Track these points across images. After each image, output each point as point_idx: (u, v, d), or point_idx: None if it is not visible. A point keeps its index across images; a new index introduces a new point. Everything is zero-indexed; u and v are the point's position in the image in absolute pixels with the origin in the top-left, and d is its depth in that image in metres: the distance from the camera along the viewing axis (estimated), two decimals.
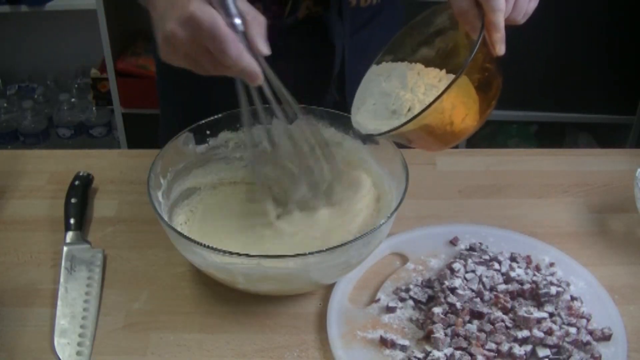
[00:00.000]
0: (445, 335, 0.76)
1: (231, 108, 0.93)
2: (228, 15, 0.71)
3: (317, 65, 1.06)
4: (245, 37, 0.73)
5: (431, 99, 0.73)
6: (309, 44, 1.04)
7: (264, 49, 0.74)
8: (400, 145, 0.87)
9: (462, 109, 0.75)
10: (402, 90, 0.80)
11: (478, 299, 0.80)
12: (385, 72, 0.85)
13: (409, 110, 0.79)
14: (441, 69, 0.82)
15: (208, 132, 0.94)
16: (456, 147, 0.98)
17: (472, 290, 0.81)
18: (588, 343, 0.76)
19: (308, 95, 0.96)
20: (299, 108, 0.84)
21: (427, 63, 0.83)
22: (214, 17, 0.69)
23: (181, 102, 1.17)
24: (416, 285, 0.85)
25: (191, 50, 0.71)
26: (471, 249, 0.90)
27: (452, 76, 0.80)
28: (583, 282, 0.86)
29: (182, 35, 0.70)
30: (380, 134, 0.78)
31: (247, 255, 0.74)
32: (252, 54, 0.73)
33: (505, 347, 0.75)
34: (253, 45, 0.73)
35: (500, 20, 0.74)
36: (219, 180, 0.96)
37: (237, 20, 0.72)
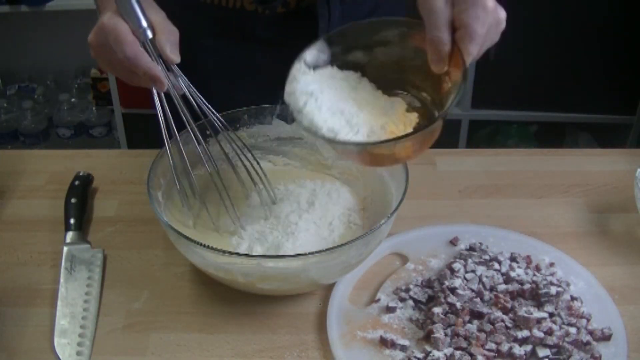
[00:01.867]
0: (445, 335, 0.76)
1: (223, 107, 0.93)
2: (137, 26, 0.77)
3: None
4: (154, 45, 0.78)
5: (399, 130, 0.76)
6: (299, 34, 1.04)
7: (173, 56, 0.79)
8: None
9: (417, 145, 0.77)
10: (359, 106, 0.80)
11: (478, 299, 0.80)
12: (341, 78, 0.83)
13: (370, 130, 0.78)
14: (372, 78, 0.82)
15: (208, 132, 0.94)
16: (456, 147, 0.98)
17: (472, 290, 0.81)
18: (588, 343, 0.76)
19: None
20: (220, 121, 0.85)
21: (356, 68, 0.82)
22: (117, 24, 0.76)
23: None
24: (416, 285, 0.85)
25: (106, 59, 0.78)
26: (471, 249, 0.90)
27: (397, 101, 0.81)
28: (583, 282, 0.86)
29: (95, 44, 0.78)
30: (339, 142, 0.76)
31: (247, 255, 0.75)
32: (162, 61, 0.79)
33: (505, 347, 0.75)
34: (163, 53, 0.78)
35: (468, 63, 0.75)
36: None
37: (147, 30, 0.78)
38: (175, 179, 0.83)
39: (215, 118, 0.84)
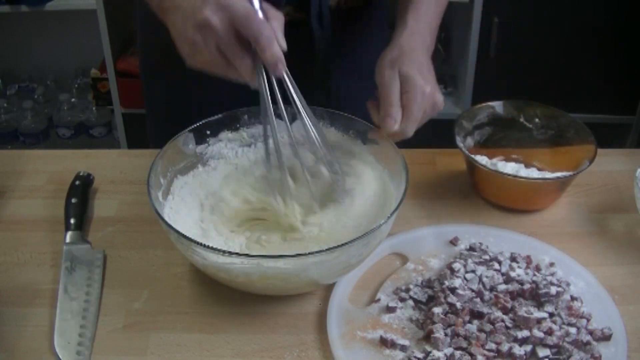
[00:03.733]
0: (445, 335, 0.76)
1: (214, 108, 0.93)
2: (255, 9, 0.76)
3: (300, 69, 1.07)
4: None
5: None
6: (290, 47, 1.05)
7: (283, 43, 0.78)
8: (400, 145, 0.88)
9: None
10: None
11: (478, 299, 0.80)
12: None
13: None
14: None
15: (208, 132, 0.94)
16: (456, 147, 0.98)
17: (472, 290, 0.81)
18: (588, 343, 0.76)
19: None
20: (308, 110, 0.85)
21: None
22: (247, 6, 0.75)
23: (165, 103, 1.18)
24: (416, 285, 0.85)
25: (222, 39, 0.74)
26: (471, 249, 0.90)
27: None
28: (583, 282, 0.86)
29: (217, 22, 0.74)
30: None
31: (247, 255, 0.75)
32: None
33: (505, 347, 0.75)
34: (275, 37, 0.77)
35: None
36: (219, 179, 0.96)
37: (261, 15, 0.76)
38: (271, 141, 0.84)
39: (301, 106, 0.84)
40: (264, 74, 0.79)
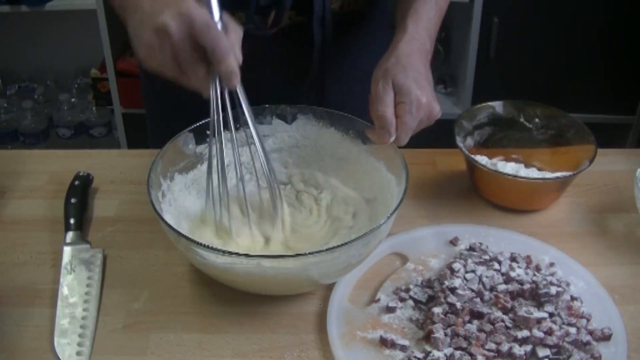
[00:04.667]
0: (445, 335, 0.76)
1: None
2: (215, 19, 0.76)
3: (297, 68, 1.07)
4: None
5: None
6: (291, 50, 1.05)
7: (239, 56, 0.77)
8: (400, 146, 0.88)
9: None
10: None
11: (478, 299, 0.80)
12: None
13: None
14: None
15: (208, 132, 0.94)
16: (456, 147, 0.98)
17: (472, 290, 0.81)
18: (588, 343, 0.76)
19: (287, 96, 0.97)
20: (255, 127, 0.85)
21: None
22: (207, 16, 0.74)
23: (165, 103, 1.18)
24: (416, 285, 0.85)
25: (178, 45, 0.74)
26: (471, 249, 0.90)
27: None
28: (583, 282, 0.86)
29: (175, 28, 0.73)
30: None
31: (247, 255, 0.74)
32: None
33: (505, 347, 0.75)
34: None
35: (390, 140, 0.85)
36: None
37: (220, 27, 0.76)
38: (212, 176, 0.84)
39: (250, 118, 0.83)
40: (217, 85, 0.78)
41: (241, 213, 0.89)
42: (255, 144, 0.85)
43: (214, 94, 0.78)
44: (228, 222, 0.86)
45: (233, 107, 0.81)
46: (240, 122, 0.85)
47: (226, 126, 0.82)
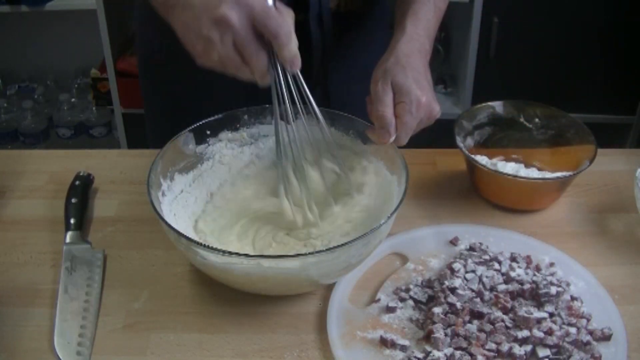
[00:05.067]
0: (445, 335, 0.76)
1: (212, 109, 0.93)
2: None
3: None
4: None
5: None
6: None
7: (296, 40, 0.76)
8: (400, 146, 0.88)
9: None
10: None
11: (478, 299, 0.80)
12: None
13: None
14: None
15: (208, 132, 0.94)
16: (456, 147, 0.98)
17: (472, 290, 0.81)
18: (588, 343, 0.76)
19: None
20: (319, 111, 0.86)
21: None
22: (264, 2, 0.74)
23: (164, 103, 1.18)
24: (416, 285, 0.85)
25: (240, 35, 0.73)
26: (471, 249, 0.90)
27: None
28: (583, 282, 0.86)
29: (235, 18, 0.72)
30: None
31: (247, 255, 0.74)
32: None
33: (505, 347, 0.75)
34: None
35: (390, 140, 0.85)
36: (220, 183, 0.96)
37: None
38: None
39: (313, 101, 0.84)
40: (279, 71, 0.78)
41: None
42: (321, 125, 0.85)
43: (276, 80, 0.78)
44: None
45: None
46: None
47: (292, 108, 0.82)
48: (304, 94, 0.82)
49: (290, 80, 0.80)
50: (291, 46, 0.75)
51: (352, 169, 0.93)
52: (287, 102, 0.81)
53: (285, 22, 0.74)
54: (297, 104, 0.83)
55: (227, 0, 0.73)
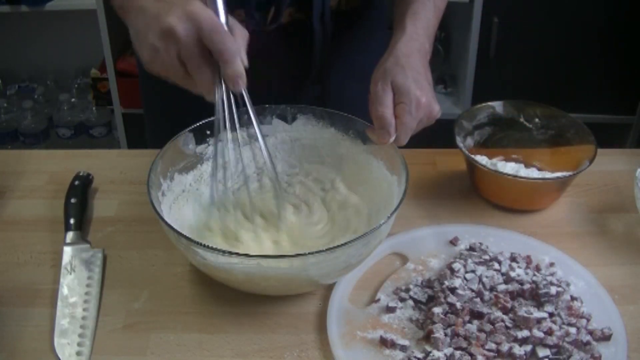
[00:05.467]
0: (445, 335, 0.76)
1: (212, 109, 0.93)
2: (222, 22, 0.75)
3: (297, 66, 1.07)
4: None
5: None
6: (291, 47, 1.05)
7: (245, 60, 0.76)
8: (400, 146, 0.88)
9: None
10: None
11: (478, 299, 0.80)
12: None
13: None
14: None
15: (208, 132, 0.94)
16: (456, 147, 0.98)
17: (472, 290, 0.81)
18: (588, 343, 0.76)
19: (288, 94, 0.97)
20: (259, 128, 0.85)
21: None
22: (215, 18, 0.73)
23: (163, 103, 1.18)
24: (416, 285, 0.85)
25: (184, 48, 0.73)
26: (471, 249, 0.90)
27: None
28: (583, 282, 0.86)
29: (182, 31, 0.72)
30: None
31: (247, 255, 0.74)
32: None
33: (505, 347, 0.75)
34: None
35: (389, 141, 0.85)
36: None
37: (225, 27, 0.75)
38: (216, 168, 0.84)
39: (255, 119, 0.84)
40: (223, 87, 0.78)
41: (244, 217, 0.89)
42: (259, 144, 0.85)
43: (219, 96, 0.78)
44: (234, 227, 0.86)
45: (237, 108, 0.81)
46: (241, 123, 0.84)
47: (231, 128, 0.81)
48: (252, 116, 0.82)
49: (235, 97, 0.79)
50: (235, 66, 0.74)
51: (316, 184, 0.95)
52: (225, 123, 0.80)
53: (231, 40, 0.74)
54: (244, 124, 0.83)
55: (177, 13, 0.72)
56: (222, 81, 0.77)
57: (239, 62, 0.74)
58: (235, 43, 0.74)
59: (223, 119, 0.79)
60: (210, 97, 0.77)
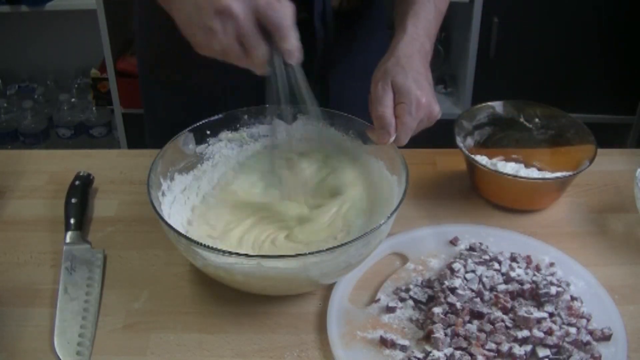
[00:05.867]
0: (445, 335, 0.76)
1: (213, 108, 0.93)
2: None
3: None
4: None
5: None
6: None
7: (296, 32, 0.77)
8: (400, 146, 0.88)
9: None
10: None
11: (478, 299, 0.80)
12: None
13: None
14: None
15: (208, 132, 0.94)
16: (456, 147, 0.98)
17: (472, 290, 0.81)
18: (588, 343, 0.76)
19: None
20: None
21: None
22: None
23: (163, 103, 1.18)
24: (416, 285, 0.85)
25: (243, 26, 0.73)
26: (471, 249, 0.90)
27: None
28: (583, 282, 0.86)
29: (239, 9, 0.73)
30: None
31: (247, 255, 0.74)
32: None
33: (505, 347, 0.75)
34: None
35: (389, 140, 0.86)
36: (218, 179, 0.96)
37: None
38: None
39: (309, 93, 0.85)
40: (278, 62, 0.78)
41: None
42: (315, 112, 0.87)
43: (278, 70, 0.79)
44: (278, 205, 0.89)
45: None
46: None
47: (285, 100, 0.82)
48: (304, 88, 0.82)
49: (290, 74, 0.80)
50: (292, 39, 0.75)
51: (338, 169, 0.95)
52: (284, 97, 0.81)
53: (287, 14, 0.75)
54: (297, 97, 0.83)
55: None
56: (277, 56, 0.77)
57: (295, 36, 0.75)
58: (290, 17, 0.75)
59: (281, 92, 0.80)
60: (263, 71, 0.78)
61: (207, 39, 0.75)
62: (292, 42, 0.75)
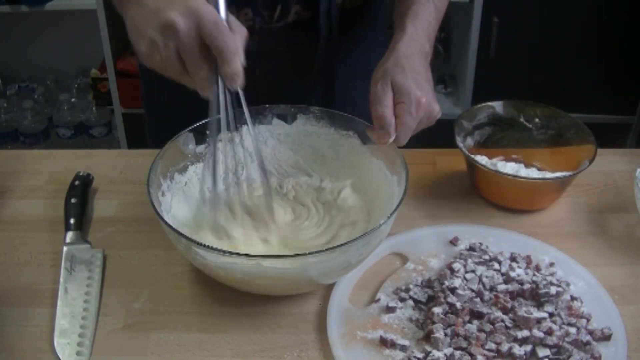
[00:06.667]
0: (445, 335, 0.76)
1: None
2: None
3: (303, 63, 1.07)
4: None
5: None
6: (297, 45, 1.05)
7: (243, 59, 0.75)
8: (400, 146, 0.88)
9: None
10: None
11: (478, 299, 0.80)
12: None
13: None
14: None
15: (208, 132, 0.94)
16: (456, 146, 0.98)
17: (472, 290, 0.81)
18: (588, 343, 0.76)
19: (293, 91, 0.96)
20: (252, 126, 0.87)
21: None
22: (216, 14, 0.73)
23: (164, 103, 1.18)
24: (416, 285, 0.85)
25: (184, 43, 0.72)
26: (471, 249, 0.90)
27: None
28: (583, 282, 0.86)
29: (182, 25, 0.71)
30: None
31: (247, 255, 0.74)
32: None
33: (505, 347, 0.75)
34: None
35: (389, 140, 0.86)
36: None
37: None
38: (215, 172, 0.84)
39: (249, 119, 0.84)
40: (220, 85, 0.77)
41: (232, 215, 0.88)
42: (253, 144, 0.85)
43: (216, 94, 0.78)
44: (224, 224, 0.86)
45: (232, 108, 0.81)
46: (239, 122, 0.85)
47: (226, 127, 0.82)
48: (245, 112, 0.82)
49: (231, 96, 0.79)
50: (234, 63, 0.73)
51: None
52: (224, 121, 0.80)
53: (232, 38, 0.73)
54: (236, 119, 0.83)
55: (178, 7, 0.72)
56: (219, 78, 0.77)
57: (238, 61, 0.74)
58: (235, 41, 0.74)
59: (221, 116, 0.79)
60: (206, 94, 0.77)
61: (149, 51, 0.74)
62: (234, 66, 0.74)
